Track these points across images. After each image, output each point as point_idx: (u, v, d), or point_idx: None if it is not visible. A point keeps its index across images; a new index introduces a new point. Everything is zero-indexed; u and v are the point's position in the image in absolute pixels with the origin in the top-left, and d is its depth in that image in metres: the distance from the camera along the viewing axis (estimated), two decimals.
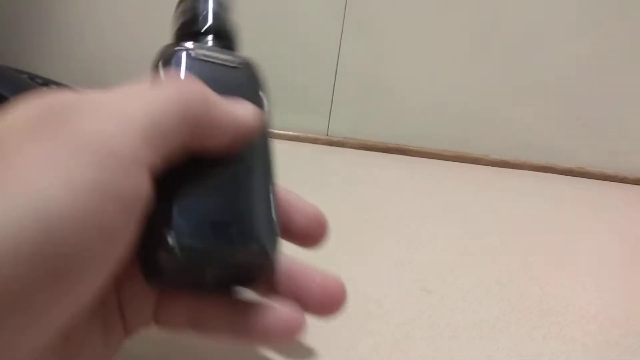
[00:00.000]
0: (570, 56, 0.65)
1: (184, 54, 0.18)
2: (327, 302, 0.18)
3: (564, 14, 0.63)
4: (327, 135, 0.67)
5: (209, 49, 0.20)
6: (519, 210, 0.53)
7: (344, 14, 0.64)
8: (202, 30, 0.22)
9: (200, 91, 0.16)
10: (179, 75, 0.18)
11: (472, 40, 0.65)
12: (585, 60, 0.65)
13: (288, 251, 0.18)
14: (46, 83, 0.44)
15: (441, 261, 0.40)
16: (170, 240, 0.14)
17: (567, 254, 0.44)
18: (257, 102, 0.19)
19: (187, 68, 0.18)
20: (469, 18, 0.64)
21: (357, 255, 0.39)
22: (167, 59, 0.19)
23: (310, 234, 0.20)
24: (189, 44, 0.20)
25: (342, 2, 0.63)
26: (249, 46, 0.17)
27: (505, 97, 0.66)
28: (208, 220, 0.15)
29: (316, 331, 0.30)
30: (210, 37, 0.22)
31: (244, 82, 0.20)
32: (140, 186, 0.13)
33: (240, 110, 0.17)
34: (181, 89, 0.15)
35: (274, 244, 0.16)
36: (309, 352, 0.28)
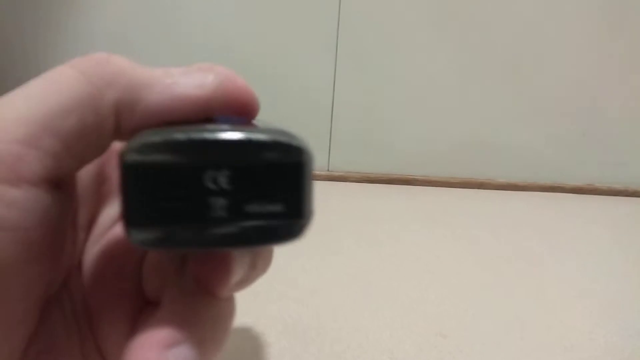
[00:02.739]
0: (570, 74, 0.64)
1: None
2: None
3: (562, 32, 0.63)
4: (327, 170, 0.66)
5: None
6: (531, 235, 0.51)
7: (336, 49, 0.64)
8: None
9: (111, 76, 0.13)
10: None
11: (469, 64, 0.64)
12: (585, 77, 0.64)
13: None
14: None
15: (455, 300, 0.38)
16: (165, 133, 0.11)
17: (587, 281, 0.42)
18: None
19: None
20: (465, 43, 0.64)
21: (366, 299, 0.38)
22: None
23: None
24: None
25: (333, 39, 0.63)
26: None
27: (507, 119, 0.66)
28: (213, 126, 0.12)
29: None
30: None
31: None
32: (27, 190, 0.13)
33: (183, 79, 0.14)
34: (82, 79, 0.13)
35: (305, 144, 0.13)
36: None
